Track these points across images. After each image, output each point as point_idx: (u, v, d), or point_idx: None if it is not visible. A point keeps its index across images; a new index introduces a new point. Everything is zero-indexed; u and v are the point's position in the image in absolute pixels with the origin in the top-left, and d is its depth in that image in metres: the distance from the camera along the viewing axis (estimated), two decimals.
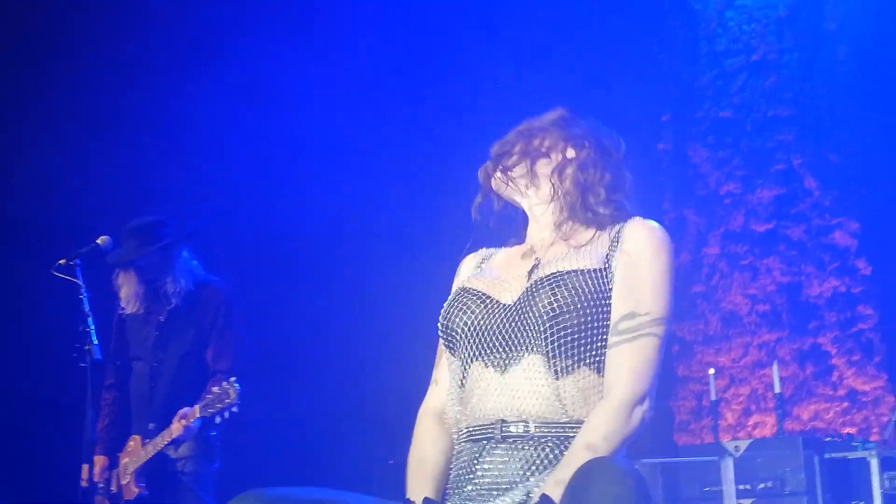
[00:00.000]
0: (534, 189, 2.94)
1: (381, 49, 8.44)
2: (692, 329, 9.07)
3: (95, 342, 4.96)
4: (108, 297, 5.43)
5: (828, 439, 7.31)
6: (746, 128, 9.04)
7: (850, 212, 8.73)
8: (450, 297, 2.89)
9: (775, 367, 7.56)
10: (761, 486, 6.92)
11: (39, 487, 6.34)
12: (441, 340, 2.89)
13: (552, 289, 2.66)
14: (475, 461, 2.67)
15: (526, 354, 2.67)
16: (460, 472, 2.72)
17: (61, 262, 5.14)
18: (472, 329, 2.76)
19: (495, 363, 2.70)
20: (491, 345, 2.72)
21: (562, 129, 2.98)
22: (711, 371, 7.72)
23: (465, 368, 2.77)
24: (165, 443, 5.07)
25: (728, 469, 6.78)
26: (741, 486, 6.89)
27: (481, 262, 3.04)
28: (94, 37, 7.11)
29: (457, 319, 2.80)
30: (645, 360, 2.71)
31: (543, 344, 2.64)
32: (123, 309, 5.48)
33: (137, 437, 5.27)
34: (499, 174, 2.94)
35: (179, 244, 5.36)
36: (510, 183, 2.93)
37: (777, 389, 7.48)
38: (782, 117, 8.95)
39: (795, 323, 8.71)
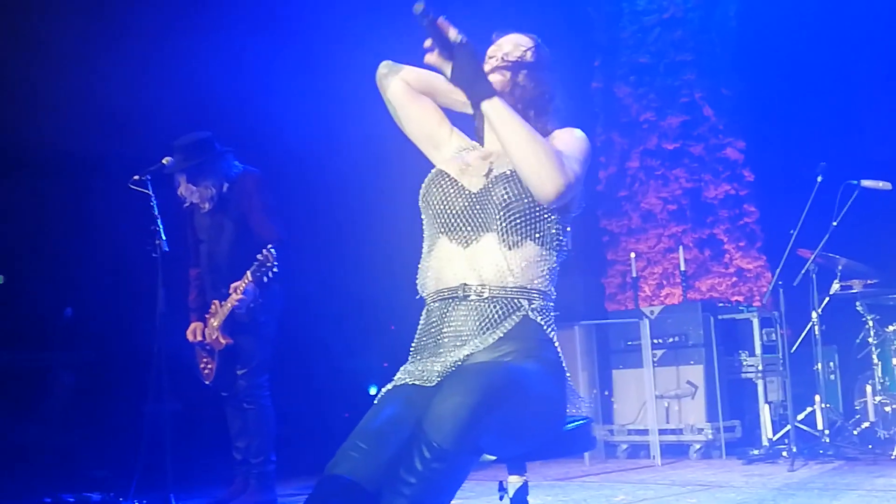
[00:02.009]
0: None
1: None
2: (618, 224, 9.08)
3: (164, 238, 4.95)
4: (174, 204, 5.38)
5: (721, 305, 7.38)
6: (659, 70, 8.99)
7: (739, 133, 8.74)
8: (429, 175, 2.74)
9: (681, 251, 7.60)
10: (670, 339, 7.00)
11: (120, 344, 6.33)
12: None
13: (505, 184, 2.58)
14: (443, 317, 2.60)
15: (484, 234, 2.58)
16: (430, 328, 2.63)
17: (136, 177, 5.11)
18: (442, 204, 2.64)
19: (459, 240, 2.61)
20: (457, 225, 2.61)
21: (526, 53, 2.77)
22: (633, 255, 7.76)
23: (434, 238, 2.68)
24: (233, 304, 5.06)
25: (646, 328, 6.84)
26: (655, 340, 6.97)
27: (463, 148, 2.82)
28: None
29: (432, 196, 2.67)
30: (573, 164, 2.56)
31: (501, 225, 2.57)
32: (185, 203, 5.45)
33: (216, 301, 5.26)
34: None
35: (218, 155, 5.31)
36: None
37: (682, 268, 7.53)
38: (687, 61, 8.90)
39: (697, 218, 8.74)
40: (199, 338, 5.32)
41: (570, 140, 2.67)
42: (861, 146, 7.25)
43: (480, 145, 2.82)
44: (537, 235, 2.58)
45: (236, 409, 5.28)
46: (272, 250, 4.86)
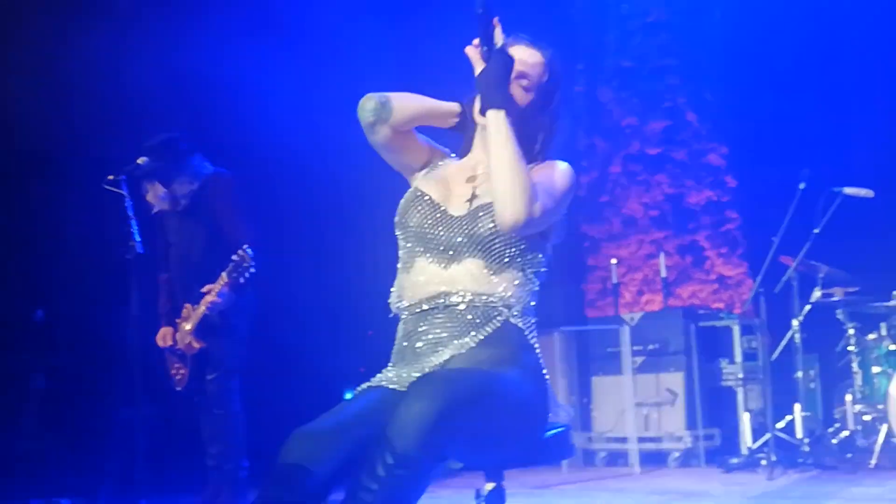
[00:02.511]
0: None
1: None
2: (599, 229, 9.08)
3: (138, 239, 4.90)
4: (146, 206, 5.33)
5: (702, 312, 7.38)
6: (643, 74, 9.00)
7: (721, 139, 8.75)
8: (407, 196, 2.69)
9: (662, 257, 7.60)
10: (651, 346, 6.99)
11: (92, 347, 6.27)
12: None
13: (492, 215, 2.52)
14: (420, 327, 2.57)
15: (467, 258, 2.56)
16: (407, 338, 2.59)
17: (110, 177, 5.06)
18: (421, 228, 2.60)
19: (439, 261, 2.57)
20: (437, 244, 2.57)
21: (542, 72, 2.73)
22: (613, 261, 7.77)
23: (410, 257, 2.63)
24: (206, 306, 5.02)
25: (626, 334, 6.83)
26: (636, 347, 6.96)
27: (438, 161, 2.80)
28: None
29: (410, 219, 2.63)
30: (545, 200, 2.53)
31: (483, 254, 2.54)
32: (154, 209, 5.41)
33: (189, 305, 5.22)
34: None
35: (186, 153, 5.28)
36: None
37: (663, 274, 7.53)
38: (670, 66, 8.91)
39: (678, 224, 8.74)
40: (170, 343, 5.28)
41: (553, 173, 2.65)
42: (844, 153, 7.26)
43: (456, 156, 2.79)
44: (519, 261, 2.57)
45: (207, 414, 5.23)
46: (248, 251, 4.81)
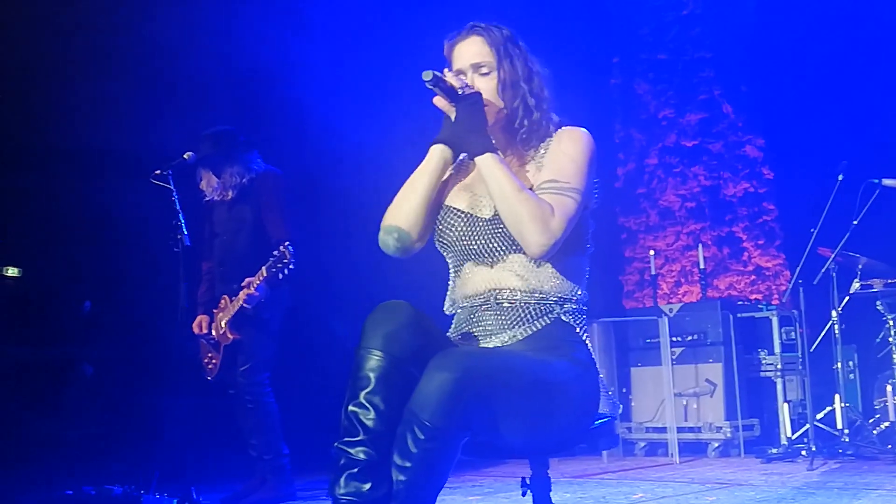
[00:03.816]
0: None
1: None
2: (636, 221, 9.09)
3: (185, 232, 4.98)
4: (194, 199, 5.42)
5: (740, 303, 7.37)
6: (678, 67, 9.00)
7: (758, 130, 8.73)
8: (439, 216, 2.70)
9: (700, 249, 7.59)
10: (689, 338, 6.99)
11: (140, 338, 6.35)
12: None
13: None
14: (472, 319, 2.62)
15: (510, 255, 2.58)
16: (459, 330, 2.64)
17: (157, 172, 5.14)
18: (460, 241, 2.64)
19: (485, 262, 2.61)
20: (478, 251, 2.61)
21: (515, 51, 2.70)
22: (651, 252, 7.77)
23: (459, 265, 2.69)
24: (242, 300, 5.10)
25: (664, 325, 6.84)
26: (674, 338, 6.96)
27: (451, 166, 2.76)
28: None
29: (447, 236, 2.67)
30: (561, 212, 2.50)
31: (519, 246, 2.55)
32: (207, 198, 5.51)
33: (226, 297, 5.31)
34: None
35: (242, 146, 5.37)
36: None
37: (701, 266, 7.52)
38: (706, 58, 8.90)
39: (715, 216, 8.73)
40: (205, 331, 5.37)
41: (569, 154, 2.62)
42: (883, 144, 7.22)
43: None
44: (562, 248, 2.55)
45: (241, 407, 5.33)
46: (289, 248, 4.89)
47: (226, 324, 5.25)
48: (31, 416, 5.88)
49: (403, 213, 2.67)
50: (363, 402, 2.29)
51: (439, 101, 2.61)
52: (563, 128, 2.70)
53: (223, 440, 5.82)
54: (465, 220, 2.65)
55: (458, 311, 2.69)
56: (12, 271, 5.82)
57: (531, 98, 2.68)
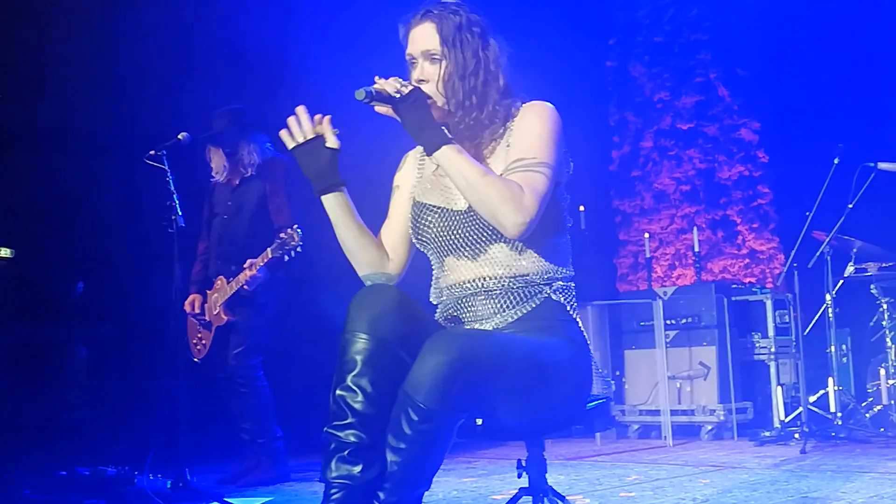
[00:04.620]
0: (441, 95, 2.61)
1: None
2: (631, 204, 9.09)
3: (180, 213, 4.96)
4: (187, 180, 5.39)
5: (734, 286, 7.38)
6: (674, 49, 8.98)
7: (753, 114, 8.72)
8: (412, 213, 2.69)
9: (694, 232, 7.60)
10: (683, 320, 7.01)
11: (135, 319, 6.34)
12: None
13: None
14: (460, 305, 2.60)
15: (491, 245, 2.55)
16: (446, 316, 2.63)
17: (151, 152, 5.11)
18: (438, 237, 2.61)
19: (466, 255, 2.58)
20: (458, 244, 2.58)
21: (467, 38, 2.60)
22: (646, 235, 7.79)
23: (440, 260, 2.66)
24: (242, 282, 5.08)
25: (658, 308, 6.84)
26: (668, 321, 6.98)
27: (421, 159, 2.77)
28: None
29: (424, 234, 2.65)
30: (531, 189, 2.45)
31: (501, 238, 2.53)
32: (214, 177, 5.49)
33: (222, 277, 5.29)
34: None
35: (255, 125, 5.37)
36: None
37: (696, 249, 7.53)
38: (702, 41, 8.88)
39: (710, 199, 8.74)
40: (197, 311, 5.35)
41: (533, 131, 2.56)
42: (879, 128, 7.23)
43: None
44: (541, 230, 2.53)
45: (233, 392, 5.31)
46: (298, 230, 4.86)
47: (220, 305, 5.23)
48: (25, 397, 5.87)
49: (358, 263, 2.70)
50: (350, 385, 2.29)
51: (382, 109, 2.54)
52: (525, 104, 2.63)
53: (217, 422, 5.81)
54: (441, 214, 2.62)
55: (444, 297, 2.67)
56: (5, 252, 5.80)
57: (480, 87, 2.59)
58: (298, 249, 4.87)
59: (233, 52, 6.77)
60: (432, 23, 2.61)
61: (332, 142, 2.62)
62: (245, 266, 5.08)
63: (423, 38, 2.60)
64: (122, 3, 6.44)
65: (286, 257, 4.89)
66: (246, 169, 5.35)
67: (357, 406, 2.28)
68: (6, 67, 6.13)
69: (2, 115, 6.05)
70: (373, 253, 2.71)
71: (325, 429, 2.31)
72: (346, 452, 2.26)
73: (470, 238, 2.57)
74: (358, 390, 2.28)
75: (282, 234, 4.89)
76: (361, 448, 2.26)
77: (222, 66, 6.75)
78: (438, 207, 2.63)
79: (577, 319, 2.63)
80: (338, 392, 2.30)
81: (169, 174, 5.01)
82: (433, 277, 2.72)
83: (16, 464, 5.18)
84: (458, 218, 2.59)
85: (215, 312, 5.26)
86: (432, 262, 2.71)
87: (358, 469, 2.25)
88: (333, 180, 2.63)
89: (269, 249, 4.93)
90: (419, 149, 2.73)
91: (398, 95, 2.50)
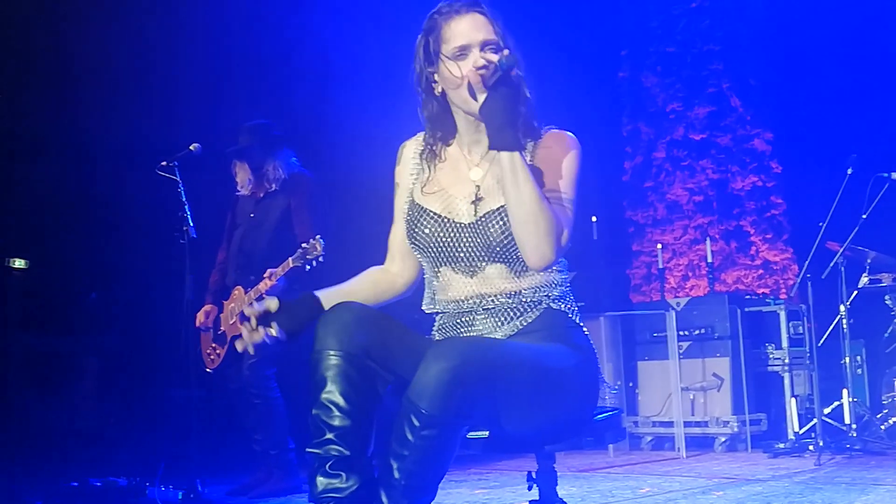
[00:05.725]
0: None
1: None
2: (644, 215, 9.06)
3: (191, 224, 4.96)
4: (200, 192, 5.40)
5: (747, 297, 7.34)
6: (687, 60, 8.96)
7: (766, 124, 8.70)
8: (410, 214, 2.60)
9: (708, 243, 7.57)
10: (697, 331, 6.97)
11: (146, 329, 6.35)
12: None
13: (499, 221, 2.47)
14: (459, 322, 2.56)
15: (489, 264, 2.50)
16: (445, 332, 2.59)
17: (163, 163, 5.13)
18: (434, 244, 2.54)
19: (463, 270, 2.53)
20: (456, 257, 2.52)
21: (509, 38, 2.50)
22: (659, 246, 7.76)
23: (434, 268, 2.61)
24: (261, 291, 5.07)
25: (672, 319, 6.81)
26: (681, 332, 6.94)
27: (421, 157, 2.65)
28: None
29: (418, 237, 2.57)
30: (568, 227, 2.43)
31: (502, 259, 2.50)
32: (239, 191, 5.51)
33: (240, 287, 5.29)
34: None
35: (281, 141, 5.38)
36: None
37: (709, 259, 7.50)
38: (714, 51, 8.86)
39: (723, 209, 8.70)
40: (210, 323, 5.35)
41: (565, 165, 2.52)
42: (892, 138, 7.20)
43: (442, 143, 2.64)
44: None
45: (246, 403, 5.29)
46: (321, 240, 4.83)
47: (237, 314, 5.21)
48: (37, 407, 5.89)
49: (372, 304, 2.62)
50: (324, 402, 2.29)
51: (472, 75, 2.41)
52: (552, 131, 2.58)
53: (229, 432, 5.81)
54: (440, 223, 2.56)
55: (442, 314, 2.63)
56: (20, 263, 5.82)
57: (525, 88, 2.52)
58: (320, 259, 4.84)
59: (253, 64, 6.79)
60: (483, 16, 2.50)
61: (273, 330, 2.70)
62: (265, 276, 5.07)
63: (479, 28, 2.47)
64: (142, 13, 6.46)
65: (307, 267, 4.86)
66: (271, 184, 5.36)
67: (333, 422, 2.27)
68: (22, 77, 6.16)
69: (17, 126, 6.08)
70: (376, 294, 2.69)
71: (307, 449, 2.31)
72: (327, 466, 2.26)
73: (472, 254, 2.52)
74: (332, 406, 2.28)
75: (304, 244, 4.87)
76: (341, 459, 2.26)
77: (242, 77, 6.77)
78: (438, 215, 2.57)
79: (582, 325, 2.59)
80: (313, 411, 2.31)
81: (181, 185, 5.03)
82: (426, 281, 2.67)
83: (27, 474, 5.19)
84: (460, 231, 2.54)
85: (231, 322, 5.25)
86: (425, 267, 2.66)
87: (341, 482, 2.25)
88: (312, 313, 2.59)
89: (290, 259, 4.90)
90: (417, 143, 2.67)
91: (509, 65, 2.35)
